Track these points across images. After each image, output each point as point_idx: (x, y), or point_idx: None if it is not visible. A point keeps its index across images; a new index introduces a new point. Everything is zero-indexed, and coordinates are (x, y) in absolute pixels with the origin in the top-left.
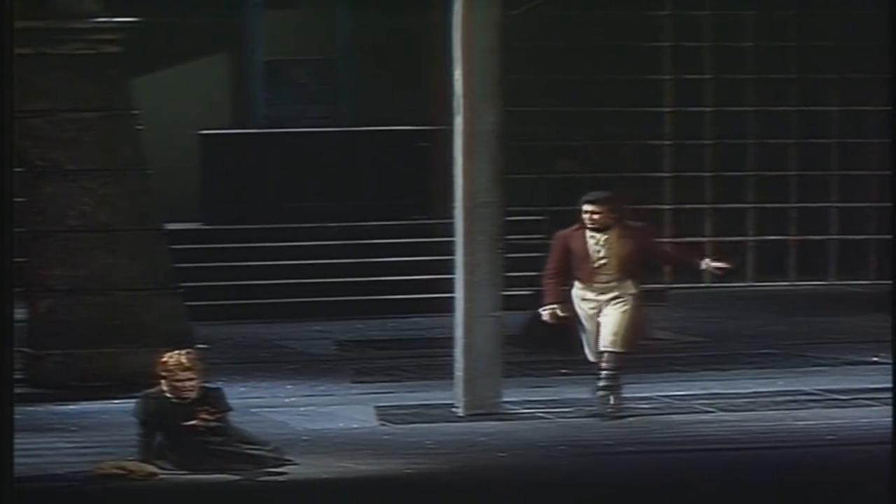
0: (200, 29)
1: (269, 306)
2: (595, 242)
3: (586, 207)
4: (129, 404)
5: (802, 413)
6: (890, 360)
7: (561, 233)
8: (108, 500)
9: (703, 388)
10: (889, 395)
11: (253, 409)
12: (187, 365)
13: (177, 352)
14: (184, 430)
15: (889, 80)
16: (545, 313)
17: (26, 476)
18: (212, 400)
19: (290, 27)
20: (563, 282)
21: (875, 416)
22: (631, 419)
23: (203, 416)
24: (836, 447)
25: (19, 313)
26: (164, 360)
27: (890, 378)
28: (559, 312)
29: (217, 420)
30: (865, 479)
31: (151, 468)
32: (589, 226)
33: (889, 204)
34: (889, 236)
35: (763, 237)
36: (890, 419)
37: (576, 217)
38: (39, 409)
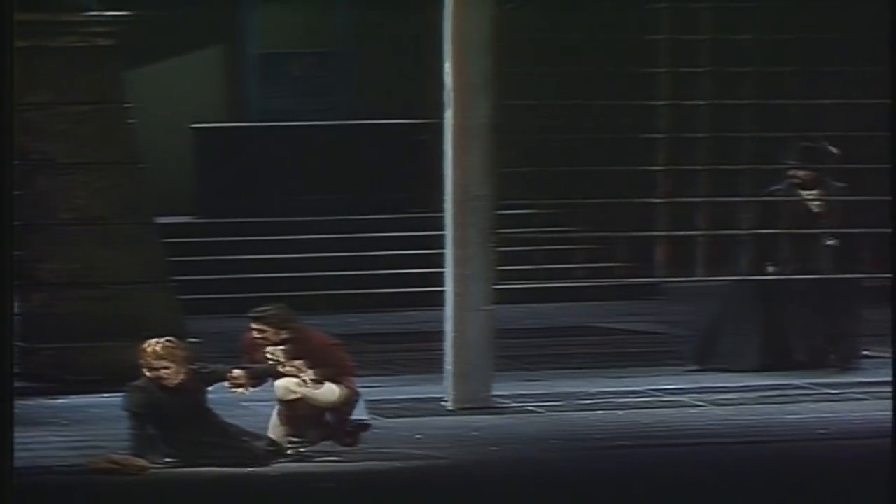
0: (195, 22)
1: (263, 300)
2: (271, 354)
3: (251, 325)
4: (121, 399)
5: (792, 407)
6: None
7: (247, 335)
8: (101, 494)
9: (694, 383)
10: (888, 389)
11: (244, 403)
12: (161, 354)
13: (153, 340)
14: (174, 421)
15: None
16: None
17: (17, 469)
18: (199, 379)
19: (285, 20)
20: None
21: (865, 409)
22: (620, 413)
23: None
24: (826, 441)
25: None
26: (143, 348)
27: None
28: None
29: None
30: (856, 474)
31: (142, 462)
32: (258, 341)
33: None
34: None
35: (757, 230)
36: (891, 413)
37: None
38: (32, 403)
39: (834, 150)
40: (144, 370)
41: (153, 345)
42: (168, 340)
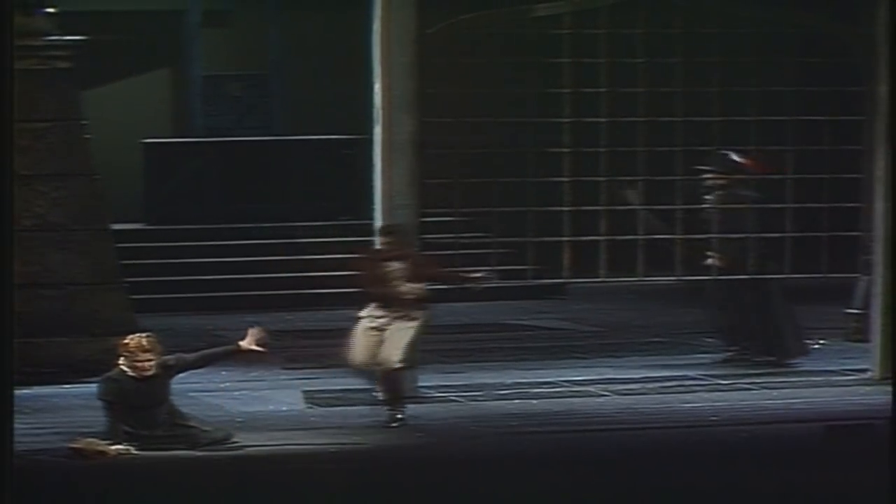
0: (144, 46)
1: (206, 299)
2: (389, 268)
3: (381, 237)
4: (78, 388)
5: (688, 396)
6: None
7: (363, 256)
8: (64, 477)
9: (599, 374)
10: (775, 380)
11: (190, 394)
12: (147, 346)
13: (138, 334)
14: (143, 408)
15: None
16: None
17: None
18: (169, 369)
19: (225, 45)
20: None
21: (753, 399)
22: (534, 402)
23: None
24: (718, 427)
25: None
26: (126, 342)
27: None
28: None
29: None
30: (745, 457)
31: (115, 447)
32: (384, 254)
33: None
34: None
35: (652, 236)
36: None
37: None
38: None
39: (738, 159)
40: (127, 362)
41: (139, 338)
42: (150, 335)
